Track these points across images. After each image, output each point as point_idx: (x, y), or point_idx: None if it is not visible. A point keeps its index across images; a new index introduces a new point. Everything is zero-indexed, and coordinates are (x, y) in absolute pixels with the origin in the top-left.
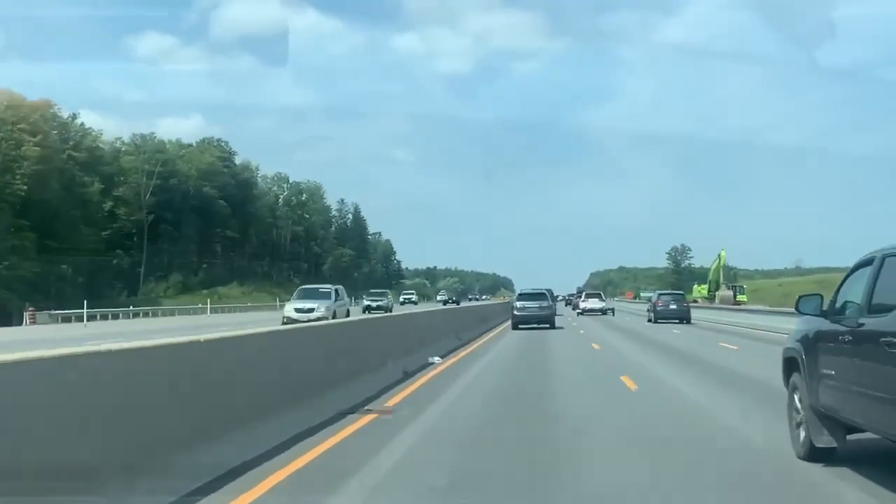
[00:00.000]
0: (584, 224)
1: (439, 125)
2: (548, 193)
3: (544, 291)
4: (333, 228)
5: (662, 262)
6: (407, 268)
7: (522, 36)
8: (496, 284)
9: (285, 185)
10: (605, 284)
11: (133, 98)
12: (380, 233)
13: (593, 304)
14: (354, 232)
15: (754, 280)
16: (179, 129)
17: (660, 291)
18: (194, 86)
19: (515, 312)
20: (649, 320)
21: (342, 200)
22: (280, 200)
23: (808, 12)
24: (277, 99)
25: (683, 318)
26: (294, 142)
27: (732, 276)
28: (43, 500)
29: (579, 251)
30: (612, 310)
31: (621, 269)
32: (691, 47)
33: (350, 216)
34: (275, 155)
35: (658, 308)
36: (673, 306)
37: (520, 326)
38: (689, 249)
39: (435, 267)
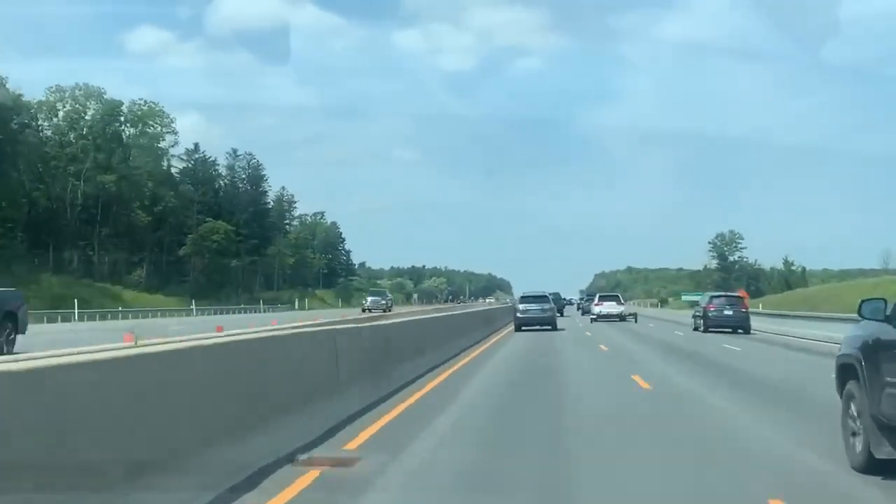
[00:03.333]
0: (587, 224)
1: (438, 123)
2: (549, 193)
3: (546, 294)
4: (220, 189)
5: (674, 263)
6: (393, 266)
7: (525, 33)
8: (492, 286)
9: (88, 106)
10: (614, 286)
11: (129, 95)
12: (323, 213)
13: (610, 308)
14: (248, 198)
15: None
16: (176, 125)
17: (712, 293)
18: (192, 83)
19: (518, 315)
20: (696, 328)
21: (234, 151)
22: (76, 131)
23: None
24: (277, 97)
25: (741, 326)
26: (292, 140)
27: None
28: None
29: (582, 252)
30: (635, 315)
31: (630, 269)
32: (694, 45)
33: (244, 175)
34: (273, 153)
35: (710, 314)
36: (728, 312)
37: (523, 328)
38: (741, 238)
39: (423, 266)
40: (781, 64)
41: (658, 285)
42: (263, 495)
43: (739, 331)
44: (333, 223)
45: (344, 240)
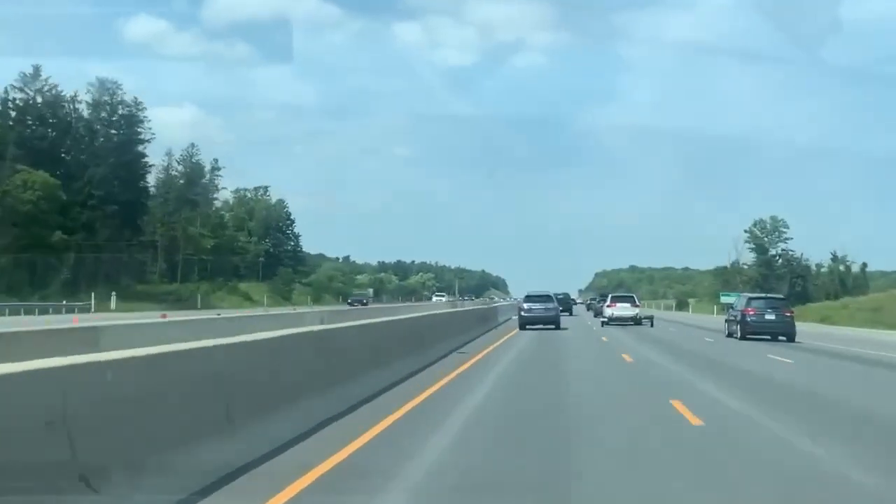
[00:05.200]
0: (588, 222)
1: (437, 119)
2: (549, 190)
3: (550, 294)
4: (79, 134)
5: (679, 262)
6: (381, 261)
7: (528, 28)
8: (485, 283)
9: None
10: (616, 286)
11: (127, 85)
12: (266, 188)
13: (624, 310)
14: (111, 147)
15: None
16: (173, 119)
17: (749, 295)
18: (189, 75)
19: (523, 314)
20: (730, 335)
21: (100, 82)
22: None
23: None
24: (275, 90)
25: (784, 333)
26: (290, 134)
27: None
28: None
29: (582, 250)
30: (651, 319)
31: (633, 268)
32: (696, 45)
33: (111, 116)
34: (271, 149)
35: (749, 318)
36: (770, 316)
37: (527, 327)
38: (786, 227)
39: (413, 261)
40: (785, 64)
41: (663, 285)
42: None
43: (782, 338)
44: (280, 201)
45: (293, 222)
